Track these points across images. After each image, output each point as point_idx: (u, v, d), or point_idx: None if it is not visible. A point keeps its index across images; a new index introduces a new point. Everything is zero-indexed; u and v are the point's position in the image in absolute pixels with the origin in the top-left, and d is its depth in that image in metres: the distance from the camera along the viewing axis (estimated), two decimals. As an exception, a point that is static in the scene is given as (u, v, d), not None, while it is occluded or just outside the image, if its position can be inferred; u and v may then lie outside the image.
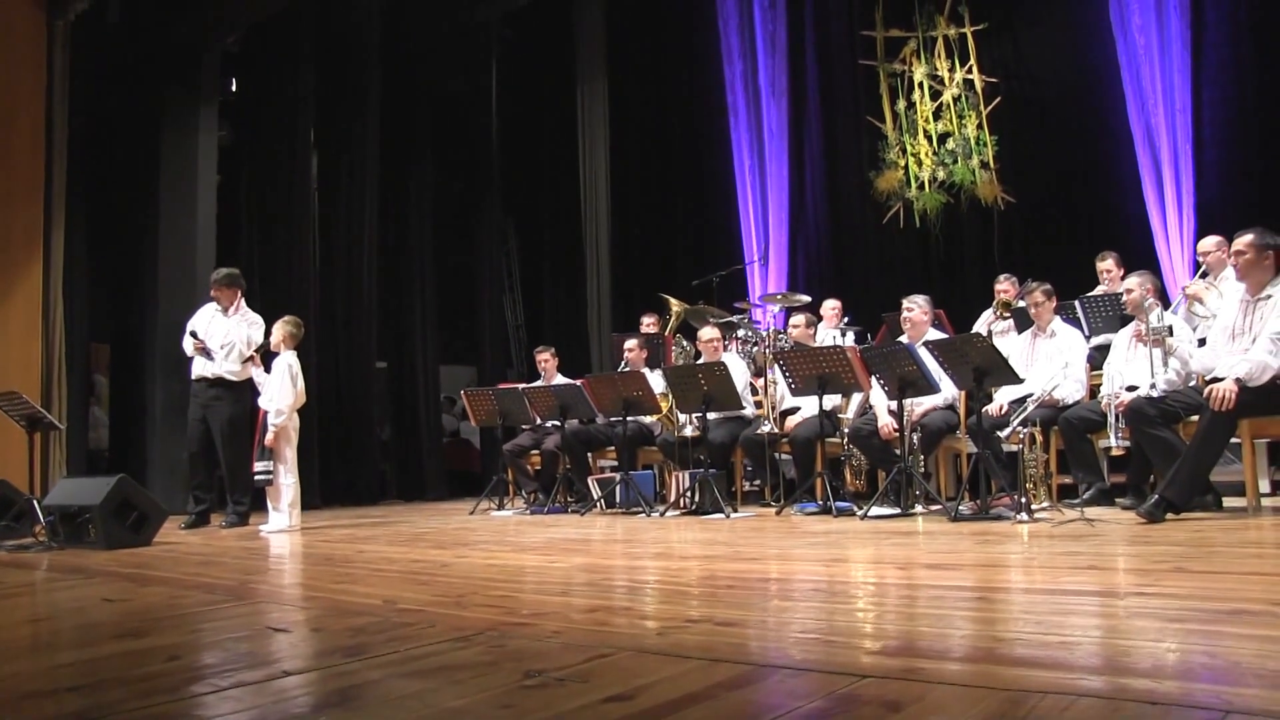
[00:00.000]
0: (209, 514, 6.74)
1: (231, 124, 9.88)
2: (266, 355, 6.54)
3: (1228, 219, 6.82)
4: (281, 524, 6.12)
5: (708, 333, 7.01)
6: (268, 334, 6.57)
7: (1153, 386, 4.85)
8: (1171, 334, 4.96)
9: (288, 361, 6.32)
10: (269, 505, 6.26)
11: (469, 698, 1.70)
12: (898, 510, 5.33)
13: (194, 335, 6.62)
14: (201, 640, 2.43)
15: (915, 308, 6.10)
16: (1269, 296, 4.53)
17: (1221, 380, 4.38)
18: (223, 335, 6.69)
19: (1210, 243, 6.15)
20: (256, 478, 6.25)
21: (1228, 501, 4.86)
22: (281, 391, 6.24)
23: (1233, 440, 4.64)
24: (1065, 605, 2.41)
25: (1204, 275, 6.19)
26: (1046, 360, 5.69)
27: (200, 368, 6.68)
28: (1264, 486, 5.48)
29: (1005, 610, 2.43)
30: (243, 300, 6.85)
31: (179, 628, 2.63)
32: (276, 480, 6.20)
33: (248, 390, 6.69)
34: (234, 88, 10.20)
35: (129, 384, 8.87)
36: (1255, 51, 8.14)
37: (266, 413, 6.26)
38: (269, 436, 6.18)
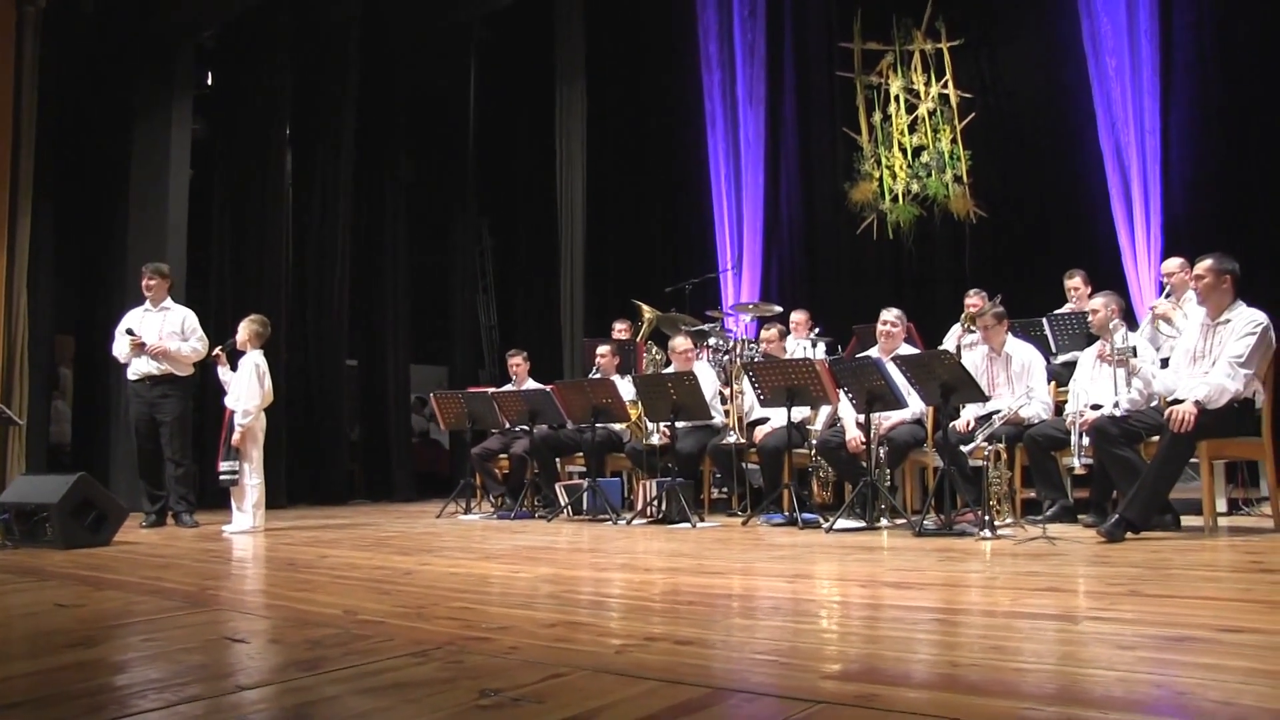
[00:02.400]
0: (166, 511, 6.67)
1: (206, 118, 9.78)
2: (233, 354, 6.48)
3: (1194, 240, 6.93)
4: (245, 525, 6.07)
5: (680, 343, 7.02)
6: (227, 336, 6.55)
7: (1115, 406, 4.91)
8: (1135, 355, 5.02)
9: (254, 361, 6.26)
10: (233, 505, 6.21)
11: (423, 718, 1.70)
12: (863, 523, 5.36)
13: (130, 333, 6.53)
14: (156, 651, 2.40)
15: (899, 323, 6.16)
16: (1228, 321, 4.61)
17: (1182, 402, 4.44)
18: (158, 329, 6.63)
19: (1173, 264, 6.24)
20: (221, 478, 6.18)
21: (1186, 520, 4.93)
22: (249, 391, 6.19)
23: (1192, 460, 4.71)
24: (1022, 629, 2.43)
25: (1168, 296, 6.27)
26: (1007, 385, 5.75)
27: (145, 366, 6.58)
28: (1221, 506, 5.55)
29: (964, 633, 2.46)
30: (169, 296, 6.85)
31: (133, 637, 2.60)
32: (241, 480, 6.14)
33: (193, 386, 6.64)
34: (209, 81, 10.11)
35: (94, 378, 8.76)
36: (1222, 77, 8.27)
37: (232, 412, 6.20)
38: (235, 436, 6.12)
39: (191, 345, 6.65)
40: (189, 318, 6.77)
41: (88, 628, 2.73)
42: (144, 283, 6.73)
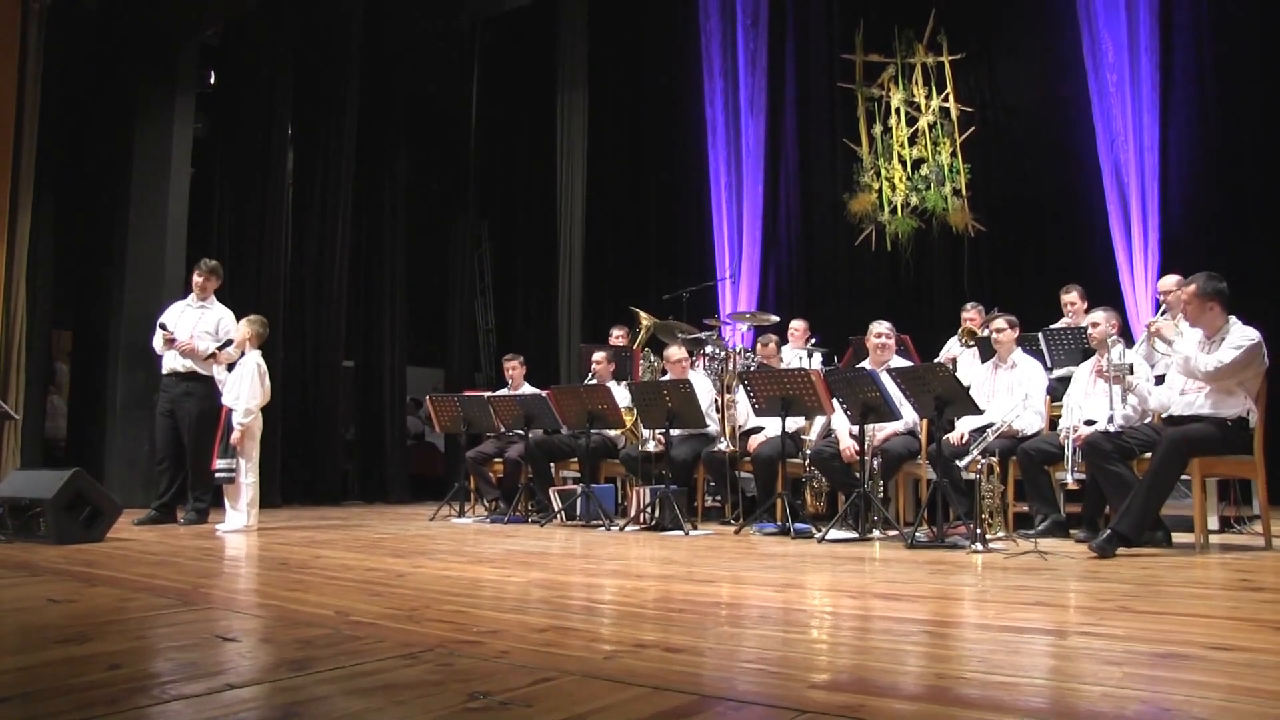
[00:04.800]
0: (168, 509, 6.65)
1: (208, 116, 9.80)
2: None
3: (1191, 257, 6.96)
4: (239, 523, 6.07)
5: (675, 352, 7.03)
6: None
7: (1110, 420, 4.93)
8: (1132, 371, 5.04)
9: (255, 360, 6.28)
10: (227, 504, 6.21)
11: (412, 719, 1.71)
12: (855, 534, 5.36)
13: (163, 327, 6.56)
14: (147, 648, 2.41)
15: (890, 335, 6.18)
16: (1224, 339, 4.63)
17: (1177, 419, 4.47)
18: (192, 326, 6.65)
19: (1170, 281, 6.26)
20: (217, 475, 6.18)
21: (1177, 537, 4.94)
22: (249, 390, 6.19)
23: (1184, 477, 4.73)
24: (1011, 643, 2.44)
25: (1164, 313, 6.29)
26: (1006, 391, 5.76)
27: (171, 361, 6.61)
28: (1213, 523, 5.57)
29: (952, 646, 2.46)
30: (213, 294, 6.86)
31: (125, 633, 2.60)
32: (237, 479, 6.15)
33: (216, 386, 6.64)
34: (212, 80, 10.13)
35: (91, 373, 8.75)
36: (1220, 95, 8.32)
37: (230, 410, 6.21)
38: (234, 435, 6.13)
39: (211, 345, 6.61)
40: (225, 318, 6.72)
41: (80, 623, 2.73)
42: (194, 277, 6.78)
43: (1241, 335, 4.58)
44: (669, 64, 11.81)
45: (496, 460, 7.72)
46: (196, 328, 6.64)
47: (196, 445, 6.55)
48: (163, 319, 6.66)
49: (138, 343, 7.99)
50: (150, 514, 6.57)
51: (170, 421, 6.61)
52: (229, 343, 6.49)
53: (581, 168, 10.98)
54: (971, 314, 7.13)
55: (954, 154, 10.04)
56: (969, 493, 5.14)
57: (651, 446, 6.62)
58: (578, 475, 7.46)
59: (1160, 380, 5.26)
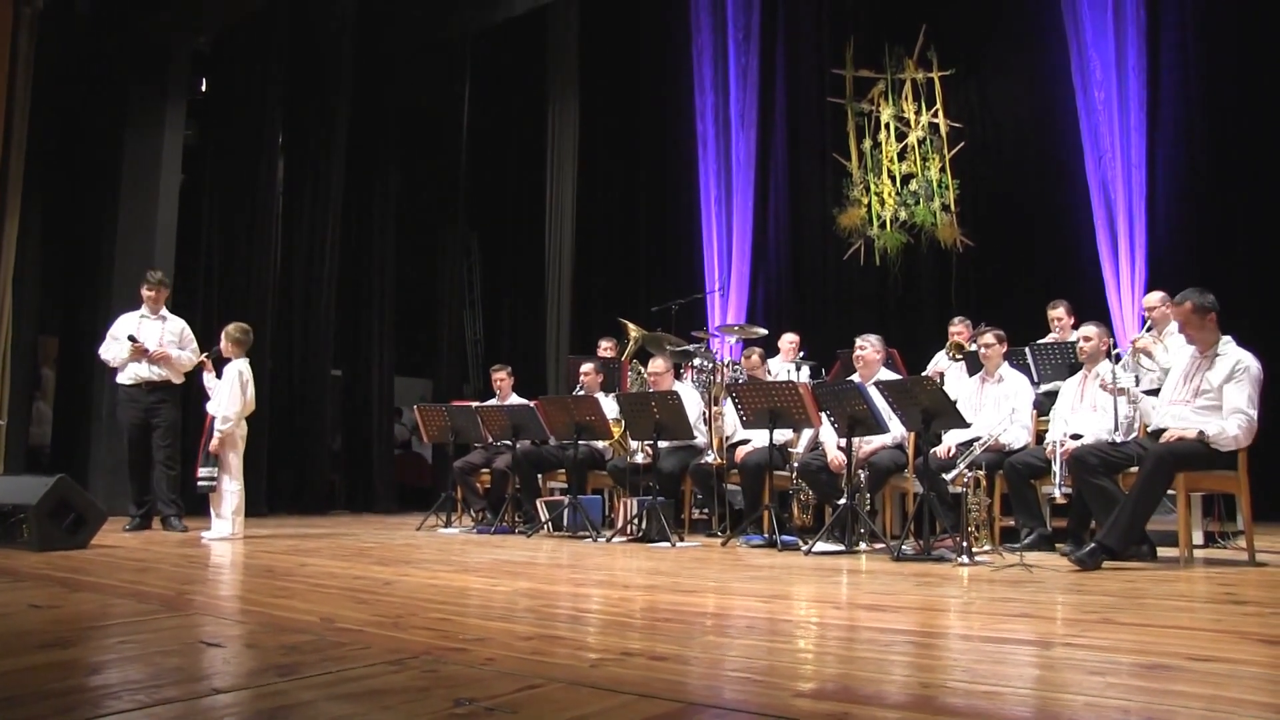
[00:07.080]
0: (152, 515, 6.65)
1: (199, 123, 9.78)
2: (218, 361, 6.48)
3: (1177, 274, 7.02)
4: (224, 531, 6.05)
5: (655, 365, 7.04)
6: (213, 342, 6.57)
7: (1115, 429, 4.94)
8: (1138, 383, 5.07)
9: (239, 368, 6.26)
10: (211, 512, 6.19)
11: (397, 725, 1.70)
12: (842, 547, 5.37)
13: (133, 339, 6.54)
14: (130, 653, 2.39)
15: (868, 346, 6.18)
16: (1219, 355, 4.67)
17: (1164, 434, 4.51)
18: (159, 337, 6.67)
19: (1155, 298, 6.31)
20: (200, 484, 6.17)
21: (1162, 551, 4.96)
22: (230, 398, 6.18)
23: (1169, 492, 4.75)
24: (995, 654, 2.45)
25: (1149, 330, 6.33)
26: (994, 405, 5.78)
27: (141, 371, 6.60)
28: (1197, 538, 5.60)
29: (937, 656, 2.47)
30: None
31: (108, 639, 2.59)
32: (220, 487, 6.13)
33: (182, 393, 6.70)
34: (203, 87, 10.11)
35: (76, 380, 8.71)
36: (1207, 114, 8.40)
37: (213, 418, 6.20)
38: (214, 443, 6.11)
39: (188, 354, 6.73)
40: (186, 327, 6.87)
41: (62, 629, 2.71)
42: (146, 291, 6.77)
43: (1235, 362, 4.61)
44: (660, 77, 11.85)
45: (484, 470, 7.71)
46: (163, 337, 6.69)
47: (172, 450, 6.57)
48: (126, 331, 6.63)
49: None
50: (136, 520, 6.57)
51: (143, 431, 6.60)
52: (218, 350, 6.49)
53: (571, 180, 11.01)
54: (959, 328, 7.17)
55: (943, 169, 10.10)
56: (955, 506, 5.15)
57: (639, 458, 6.62)
58: (565, 486, 7.46)
59: (1153, 393, 5.29)
